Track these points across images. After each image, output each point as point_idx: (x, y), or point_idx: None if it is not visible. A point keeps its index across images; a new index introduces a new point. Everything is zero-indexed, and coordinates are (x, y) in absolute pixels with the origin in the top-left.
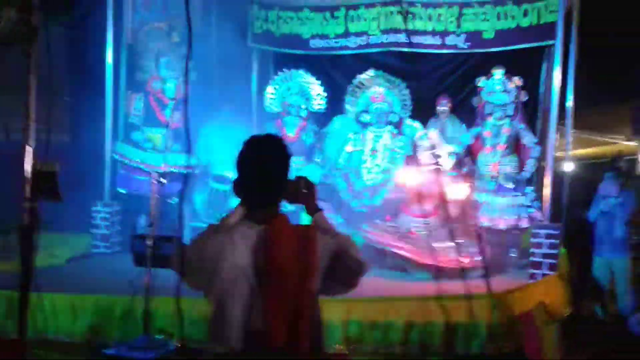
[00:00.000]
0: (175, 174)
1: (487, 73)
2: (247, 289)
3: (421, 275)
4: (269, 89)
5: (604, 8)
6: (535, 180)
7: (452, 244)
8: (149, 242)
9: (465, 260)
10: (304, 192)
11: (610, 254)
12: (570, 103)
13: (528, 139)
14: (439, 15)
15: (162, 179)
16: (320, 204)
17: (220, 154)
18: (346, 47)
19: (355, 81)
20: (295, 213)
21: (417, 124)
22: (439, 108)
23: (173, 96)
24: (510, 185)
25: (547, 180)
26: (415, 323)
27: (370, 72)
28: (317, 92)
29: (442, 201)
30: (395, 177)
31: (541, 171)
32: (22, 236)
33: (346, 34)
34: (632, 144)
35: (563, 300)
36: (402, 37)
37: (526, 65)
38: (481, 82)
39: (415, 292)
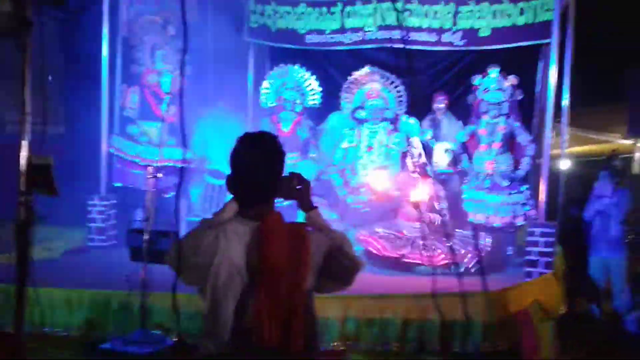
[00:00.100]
0: (171, 168)
1: (483, 71)
2: (240, 286)
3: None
4: (264, 84)
5: (599, 7)
6: (531, 178)
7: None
8: (145, 237)
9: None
10: (297, 188)
11: (606, 253)
12: (566, 101)
13: (523, 137)
14: (435, 12)
15: (158, 174)
16: (315, 201)
17: (215, 148)
18: (342, 43)
19: (351, 77)
20: (292, 209)
21: (412, 121)
22: (435, 105)
23: (169, 90)
24: (506, 183)
25: (543, 178)
26: (412, 320)
27: (366, 69)
28: (312, 88)
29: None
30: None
31: (537, 169)
32: (18, 230)
33: (342, 30)
34: (628, 142)
35: (559, 299)
36: (398, 34)
37: (522, 64)
38: (476, 80)
39: (412, 290)
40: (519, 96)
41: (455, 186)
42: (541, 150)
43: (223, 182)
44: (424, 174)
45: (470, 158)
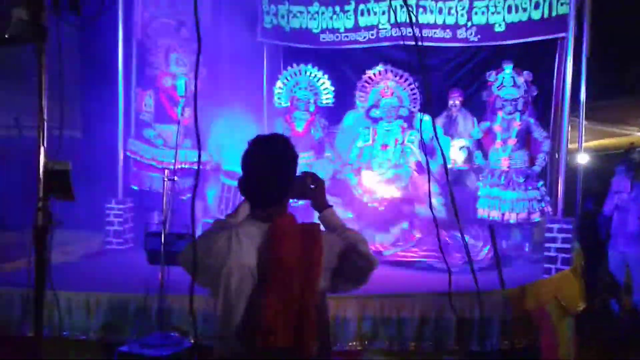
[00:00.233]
0: (187, 170)
1: (499, 67)
2: (252, 288)
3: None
4: (278, 84)
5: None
6: (547, 174)
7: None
8: (162, 240)
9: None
10: (311, 188)
11: (625, 247)
12: (582, 95)
13: (538, 133)
14: (450, 8)
15: (174, 176)
16: (330, 200)
17: (231, 149)
18: (356, 42)
19: (365, 76)
20: (308, 208)
21: (427, 118)
22: (450, 102)
23: (184, 93)
24: (521, 180)
25: (561, 174)
26: (429, 319)
27: (380, 67)
28: (325, 87)
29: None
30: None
31: (553, 164)
32: (36, 234)
33: (356, 28)
34: None
35: (578, 295)
36: (411, 31)
37: (538, 58)
38: (491, 76)
39: (429, 288)
40: (534, 92)
41: (471, 183)
42: (558, 145)
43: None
44: (420, 171)
45: (485, 155)
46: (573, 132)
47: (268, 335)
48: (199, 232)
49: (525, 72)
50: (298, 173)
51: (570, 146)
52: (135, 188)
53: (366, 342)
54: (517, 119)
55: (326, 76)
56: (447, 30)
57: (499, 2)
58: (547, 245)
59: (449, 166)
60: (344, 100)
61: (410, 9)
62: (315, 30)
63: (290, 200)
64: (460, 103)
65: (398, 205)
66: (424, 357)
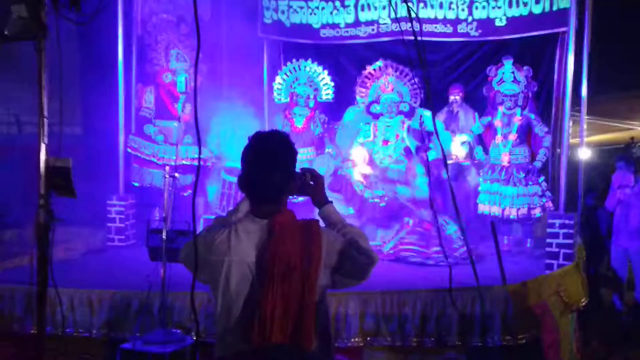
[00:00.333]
0: (188, 167)
1: (500, 62)
2: (251, 285)
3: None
4: (277, 80)
5: None
6: (548, 169)
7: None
8: (163, 237)
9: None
10: (310, 184)
11: (627, 243)
12: (584, 90)
13: (539, 128)
14: (450, 3)
15: (175, 172)
16: (331, 196)
17: (231, 145)
18: (357, 37)
19: (365, 72)
20: (309, 204)
21: (428, 113)
22: (451, 97)
23: (184, 89)
24: (522, 175)
25: (562, 169)
26: (431, 315)
27: (380, 62)
28: (325, 82)
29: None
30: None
31: (555, 160)
32: (38, 232)
33: (356, 23)
34: None
35: (580, 290)
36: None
37: (539, 53)
38: (491, 71)
39: (430, 284)
40: (534, 88)
41: (472, 179)
42: (559, 140)
43: None
44: (408, 156)
45: (486, 150)
46: (574, 127)
47: (266, 332)
48: (199, 228)
49: (525, 68)
50: (297, 169)
51: (571, 141)
52: (136, 184)
53: (368, 338)
54: (517, 114)
55: (326, 72)
56: (448, 25)
57: None
58: (548, 240)
59: (451, 162)
60: (344, 95)
61: (410, 4)
62: (315, 26)
63: (290, 197)
64: (462, 98)
65: (399, 201)
66: (426, 353)
